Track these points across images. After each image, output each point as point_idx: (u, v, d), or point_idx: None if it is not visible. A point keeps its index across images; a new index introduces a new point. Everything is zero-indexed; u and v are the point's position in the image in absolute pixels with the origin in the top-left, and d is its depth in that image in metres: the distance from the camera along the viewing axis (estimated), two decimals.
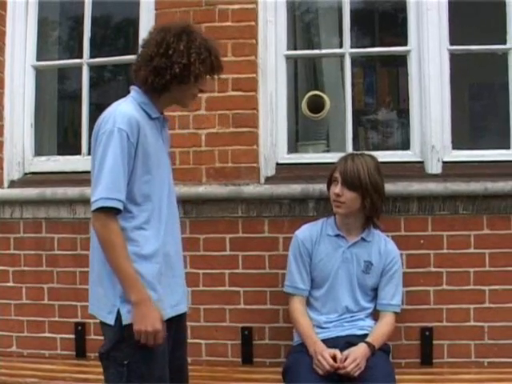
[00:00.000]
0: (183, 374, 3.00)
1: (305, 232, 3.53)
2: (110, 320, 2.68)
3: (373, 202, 3.35)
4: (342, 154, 3.71)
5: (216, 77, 2.91)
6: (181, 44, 2.70)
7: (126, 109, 2.70)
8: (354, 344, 3.25)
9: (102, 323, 2.75)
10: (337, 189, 3.35)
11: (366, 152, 3.62)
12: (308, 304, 3.51)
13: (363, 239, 3.44)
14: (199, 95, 3.79)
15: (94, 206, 2.62)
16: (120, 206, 2.61)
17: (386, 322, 3.42)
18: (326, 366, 3.14)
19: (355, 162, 3.34)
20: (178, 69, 2.68)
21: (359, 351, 3.19)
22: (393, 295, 3.44)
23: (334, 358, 3.17)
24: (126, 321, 2.65)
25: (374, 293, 3.47)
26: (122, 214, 2.65)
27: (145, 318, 2.61)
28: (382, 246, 3.46)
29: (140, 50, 2.82)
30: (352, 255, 3.43)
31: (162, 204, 2.77)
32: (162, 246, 2.75)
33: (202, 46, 2.74)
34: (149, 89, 2.76)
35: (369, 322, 3.44)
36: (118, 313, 2.67)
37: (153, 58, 2.70)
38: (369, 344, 3.24)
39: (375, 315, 3.47)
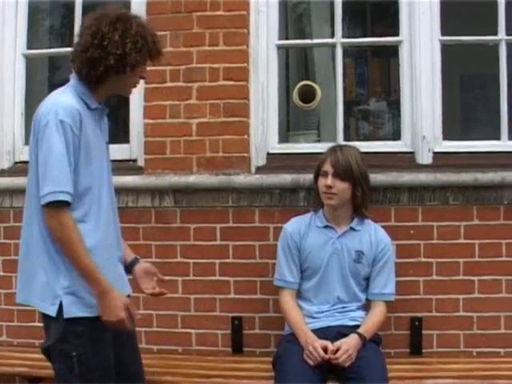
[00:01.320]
0: (137, 367, 2.99)
1: (293, 225, 3.54)
2: (52, 312, 2.65)
3: (363, 192, 3.38)
4: (333, 144, 3.73)
5: (155, 62, 2.84)
6: (116, 34, 2.64)
7: (67, 100, 2.65)
8: (345, 334, 3.27)
9: (44, 315, 2.72)
10: (328, 180, 3.34)
11: (349, 143, 3.68)
12: (299, 295, 3.52)
13: (352, 228, 3.45)
14: (192, 85, 3.88)
15: (43, 201, 2.59)
16: (70, 198, 2.59)
17: (378, 311, 3.43)
18: (318, 358, 3.15)
19: (344, 154, 3.36)
20: (113, 60, 2.63)
21: (351, 342, 3.20)
22: (384, 284, 3.45)
23: (325, 349, 3.18)
24: (67, 314, 2.64)
25: (367, 283, 3.48)
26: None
27: (108, 308, 2.63)
28: (373, 234, 3.47)
29: (76, 38, 2.76)
30: (342, 245, 3.43)
31: (101, 195, 2.74)
32: (102, 239, 2.73)
33: (138, 34, 2.67)
34: (85, 80, 2.72)
35: (360, 313, 3.45)
36: (61, 305, 2.64)
37: (87, 49, 2.65)
38: (360, 335, 3.26)
39: (367, 306, 3.48)
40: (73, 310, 2.64)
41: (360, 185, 3.36)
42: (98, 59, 2.64)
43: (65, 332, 2.64)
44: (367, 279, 3.47)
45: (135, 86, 2.87)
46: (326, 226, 3.47)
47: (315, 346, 3.17)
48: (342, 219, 3.46)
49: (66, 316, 2.63)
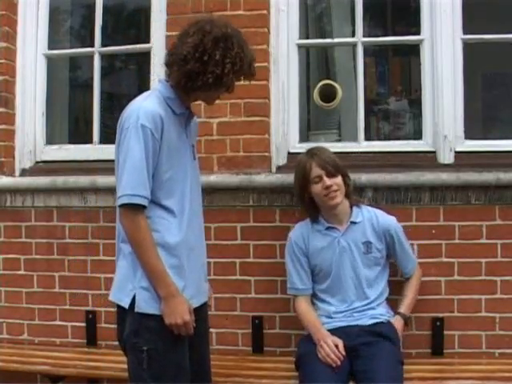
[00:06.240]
0: (204, 367, 3.03)
1: (296, 231, 3.58)
2: (125, 303, 2.73)
3: (349, 179, 3.46)
4: (354, 144, 3.74)
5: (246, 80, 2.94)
6: (217, 52, 2.68)
7: (150, 105, 2.71)
8: (366, 332, 3.30)
9: (120, 308, 2.80)
10: (326, 181, 3.36)
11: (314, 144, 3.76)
12: (316, 296, 3.53)
13: (353, 223, 3.46)
14: None
15: (118, 202, 2.68)
16: (145, 202, 2.66)
17: (416, 279, 3.60)
18: (330, 354, 3.17)
19: (322, 152, 3.45)
20: (211, 78, 2.69)
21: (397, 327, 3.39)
22: (409, 258, 3.57)
23: (337, 347, 3.21)
24: (138, 308, 2.70)
25: (378, 283, 3.48)
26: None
27: (174, 311, 2.68)
28: (375, 221, 3.48)
29: (176, 42, 2.79)
30: (348, 242, 3.44)
31: (184, 198, 2.81)
32: (184, 239, 2.79)
33: (237, 55, 2.73)
34: (181, 88, 2.78)
35: (380, 310, 3.45)
36: (134, 298, 2.71)
37: (188, 61, 2.69)
38: (402, 315, 3.45)
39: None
40: (144, 306, 2.70)
41: (346, 174, 3.43)
42: (197, 73, 2.69)
43: (138, 326, 2.71)
44: (377, 279, 3.48)
45: (219, 98, 2.94)
46: (327, 228, 3.48)
47: (327, 342, 3.22)
48: (341, 216, 3.47)
49: (136, 310, 2.70)
